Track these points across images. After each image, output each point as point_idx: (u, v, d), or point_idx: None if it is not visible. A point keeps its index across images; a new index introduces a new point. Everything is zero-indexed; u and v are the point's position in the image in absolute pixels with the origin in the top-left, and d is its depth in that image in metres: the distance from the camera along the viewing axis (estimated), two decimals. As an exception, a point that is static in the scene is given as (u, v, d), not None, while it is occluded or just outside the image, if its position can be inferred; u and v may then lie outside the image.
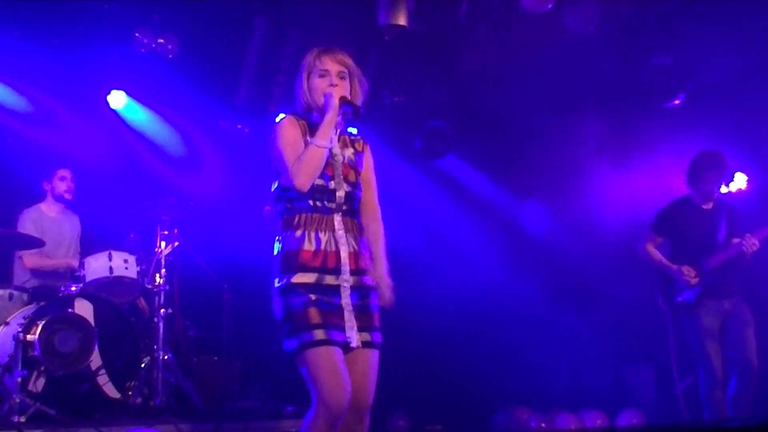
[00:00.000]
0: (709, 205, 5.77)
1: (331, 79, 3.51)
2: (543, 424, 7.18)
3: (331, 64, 3.52)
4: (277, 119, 3.60)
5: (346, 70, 3.55)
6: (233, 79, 7.74)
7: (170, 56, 7.36)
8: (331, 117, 3.43)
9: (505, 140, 8.38)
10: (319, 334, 3.28)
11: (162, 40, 7.29)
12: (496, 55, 7.67)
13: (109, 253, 6.27)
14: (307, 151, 3.40)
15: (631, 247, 6.83)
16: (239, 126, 8.43)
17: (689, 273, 5.64)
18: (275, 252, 3.47)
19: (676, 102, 7.20)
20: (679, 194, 6.02)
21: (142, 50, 7.23)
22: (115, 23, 7.13)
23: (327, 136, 3.42)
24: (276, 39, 7.62)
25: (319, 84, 3.51)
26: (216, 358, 7.20)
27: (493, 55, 7.65)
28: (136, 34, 7.18)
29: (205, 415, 6.18)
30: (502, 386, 7.66)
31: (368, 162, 3.71)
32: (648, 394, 7.51)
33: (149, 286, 6.47)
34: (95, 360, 5.81)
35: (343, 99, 3.46)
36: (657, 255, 5.92)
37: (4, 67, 7.06)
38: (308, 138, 3.49)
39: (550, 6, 6.74)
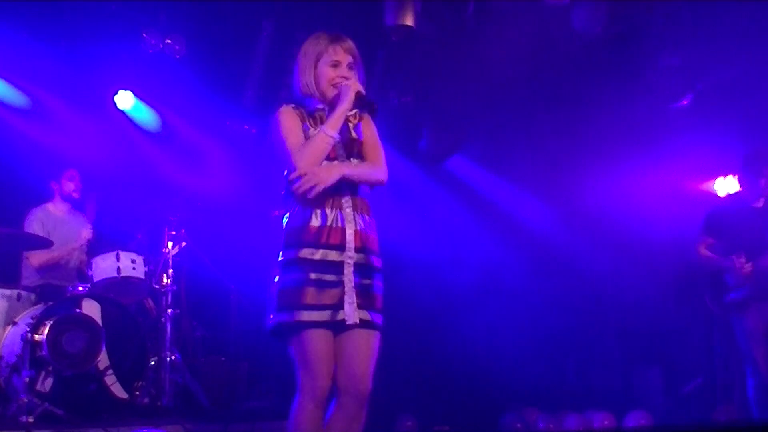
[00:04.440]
0: (759, 203, 5.64)
1: (343, 71, 3.51)
2: (551, 425, 7.17)
3: (343, 55, 3.52)
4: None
5: (353, 60, 3.55)
6: (240, 80, 7.74)
7: (178, 57, 7.37)
8: (345, 109, 3.44)
9: (512, 140, 8.38)
10: (312, 315, 3.30)
11: (170, 41, 7.29)
12: (504, 56, 7.66)
13: (117, 254, 6.28)
14: (314, 138, 3.42)
15: (638, 248, 6.82)
16: (246, 126, 8.43)
17: (740, 261, 5.44)
18: (283, 226, 3.48)
19: (684, 103, 7.18)
20: (715, 195, 5.92)
21: (150, 51, 7.23)
22: (123, 24, 7.14)
23: (337, 127, 3.44)
24: (283, 40, 7.62)
25: (329, 73, 3.51)
26: (223, 358, 7.20)
27: (500, 56, 7.64)
28: (144, 35, 7.18)
29: (213, 416, 6.19)
30: (510, 387, 7.65)
31: (369, 129, 3.64)
32: (656, 395, 7.50)
33: (157, 287, 6.48)
34: (103, 360, 5.81)
35: (359, 94, 3.46)
36: (708, 254, 5.73)
37: (12, 67, 7.08)
38: (307, 124, 3.50)
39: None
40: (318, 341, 3.32)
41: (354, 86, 3.46)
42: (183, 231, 6.64)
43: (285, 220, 3.49)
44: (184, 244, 6.63)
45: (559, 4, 6.71)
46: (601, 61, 7.32)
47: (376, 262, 3.48)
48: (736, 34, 6.63)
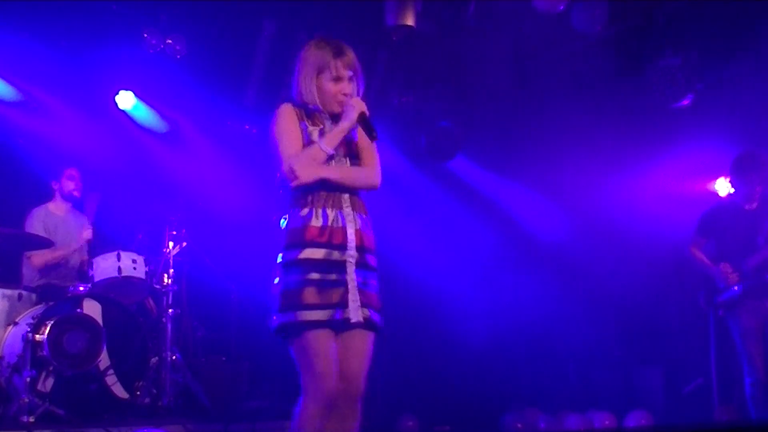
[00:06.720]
0: (752, 206, 5.75)
1: (344, 86, 3.51)
2: (552, 425, 7.17)
3: (345, 71, 3.50)
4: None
5: (354, 74, 3.55)
6: (241, 80, 7.74)
7: (178, 57, 7.38)
8: (346, 128, 3.47)
9: (513, 141, 8.38)
10: (314, 314, 3.29)
11: (170, 41, 7.30)
12: (504, 56, 7.67)
13: (118, 254, 6.28)
14: (310, 149, 3.43)
15: (639, 248, 6.80)
16: (247, 126, 8.43)
17: (726, 270, 5.64)
18: (282, 227, 3.48)
19: (685, 103, 7.18)
20: (717, 196, 6.00)
21: (151, 51, 7.24)
22: (123, 24, 7.14)
23: (335, 144, 3.46)
24: (284, 40, 7.62)
25: (331, 89, 3.51)
26: (224, 358, 7.21)
27: (501, 56, 7.65)
28: (145, 35, 7.19)
29: (213, 416, 6.19)
30: (510, 387, 7.66)
31: (362, 133, 3.66)
32: (657, 395, 7.50)
33: (157, 287, 6.49)
34: (104, 360, 5.82)
35: (362, 115, 3.47)
36: (699, 256, 5.91)
37: (13, 66, 7.08)
38: (305, 123, 3.50)
39: (562, 7, 6.73)
40: (322, 341, 3.31)
41: (358, 107, 3.47)
42: (184, 231, 6.65)
43: (284, 222, 3.48)
44: (184, 244, 6.63)
45: (550, 11, 6.72)
46: (601, 61, 7.32)
47: (373, 261, 3.51)
48: (736, 34, 6.63)
